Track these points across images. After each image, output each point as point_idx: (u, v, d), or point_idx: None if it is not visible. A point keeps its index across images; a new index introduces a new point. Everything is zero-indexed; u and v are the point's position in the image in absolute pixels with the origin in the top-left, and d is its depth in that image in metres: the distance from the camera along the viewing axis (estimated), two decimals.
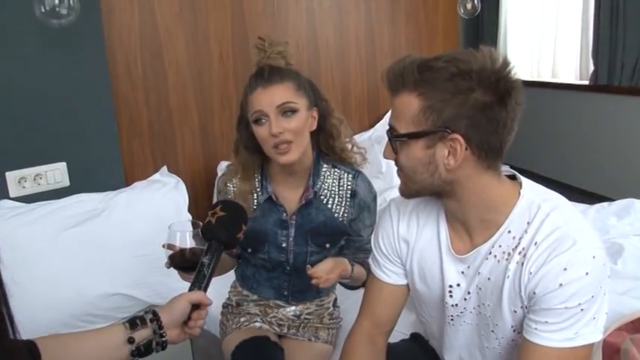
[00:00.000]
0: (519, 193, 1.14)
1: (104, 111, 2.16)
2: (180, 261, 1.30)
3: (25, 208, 1.98)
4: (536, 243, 1.08)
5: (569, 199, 2.88)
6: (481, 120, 1.04)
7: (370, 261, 1.39)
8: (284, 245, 1.60)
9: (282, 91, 1.44)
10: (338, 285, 1.81)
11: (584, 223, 1.12)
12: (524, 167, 4.86)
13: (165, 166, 2.34)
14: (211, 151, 2.56)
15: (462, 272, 1.21)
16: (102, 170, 2.18)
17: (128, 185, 2.24)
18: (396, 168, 1.20)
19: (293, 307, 1.72)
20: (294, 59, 2.71)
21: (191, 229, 1.32)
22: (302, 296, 1.71)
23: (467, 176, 1.10)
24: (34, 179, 2.05)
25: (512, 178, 1.20)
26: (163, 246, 1.38)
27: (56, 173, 2.09)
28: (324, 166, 1.60)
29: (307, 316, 1.74)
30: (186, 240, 1.29)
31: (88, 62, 2.07)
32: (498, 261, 1.14)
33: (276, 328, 1.72)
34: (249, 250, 1.63)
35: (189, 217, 2.20)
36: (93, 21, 2.04)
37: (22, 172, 2.02)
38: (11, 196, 2.00)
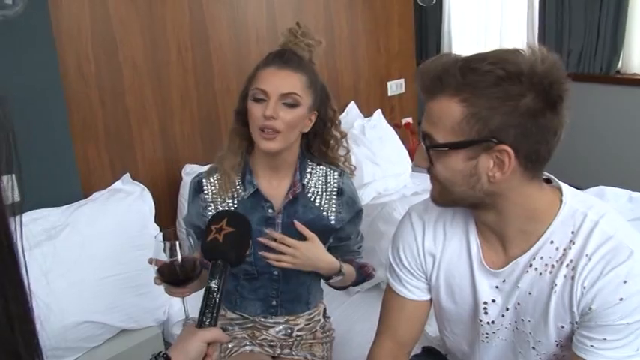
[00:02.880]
0: (561, 201, 1.07)
1: (56, 113, 1.91)
2: (171, 276, 1.21)
3: None
4: (587, 255, 1.01)
5: None
6: (532, 129, 0.96)
7: (389, 276, 1.29)
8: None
9: (293, 80, 1.38)
10: (326, 293, 1.72)
11: (635, 231, 1.06)
12: None
13: (128, 174, 2.13)
14: (173, 154, 2.35)
15: (497, 287, 1.13)
16: (57, 181, 1.94)
17: (86, 196, 2.01)
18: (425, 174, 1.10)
19: (282, 326, 1.59)
20: (253, 51, 2.60)
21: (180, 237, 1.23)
22: (291, 306, 1.59)
23: (511, 188, 1.02)
24: None
25: (548, 181, 1.12)
26: (150, 261, 1.24)
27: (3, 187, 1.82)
28: (310, 163, 1.54)
29: (299, 333, 1.62)
30: (176, 251, 1.20)
31: (36, 59, 1.82)
32: (540, 274, 1.07)
33: (269, 350, 1.59)
34: None
35: (157, 227, 2.01)
36: (40, 13, 1.79)
37: None
38: None
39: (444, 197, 1.09)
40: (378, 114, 3.12)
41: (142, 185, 2.07)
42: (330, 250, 1.58)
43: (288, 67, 1.38)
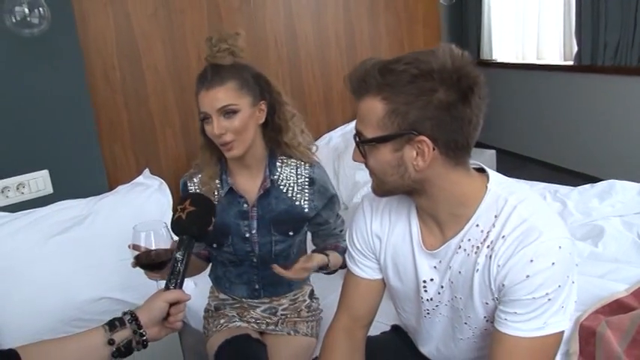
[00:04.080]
0: (486, 187, 1.16)
1: (83, 117, 2.16)
2: (146, 261, 1.33)
3: (9, 218, 1.99)
4: (503, 236, 1.09)
5: (556, 180, 2.92)
6: (446, 119, 1.05)
7: (346, 257, 1.41)
8: (247, 235, 1.63)
9: (223, 94, 1.48)
10: (313, 277, 1.85)
11: (551, 215, 1.13)
12: (513, 150, 4.90)
13: (147, 169, 2.35)
14: (194, 150, 2.55)
15: (435, 267, 1.22)
16: (84, 176, 2.19)
17: (112, 189, 2.26)
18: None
19: (267, 305, 1.75)
20: (273, 55, 2.78)
21: (156, 228, 1.33)
22: (274, 289, 1.74)
23: (436, 175, 1.11)
24: (17, 188, 2.06)
25: (481, 171, 1.21)
26: (129, 246, 1.41)
27: (39, 181, 2.10)
28: (280, 158, 1.66)
29: (283, 312, 1.77)
30: (150, 240, 1.31)
31: (65, 69, 2.08)
32: (468, 254, 1.15)
33: (255, 326, 1.75)
34: (215, 245, 1.66)
35: None
36: (67, 28, 2.04)
37: (4, 182, 2.03)
38: None
39: (380, 188, 1.19)
40: None
41: (160, 179, 2.29)
42: (312, 235, 1.74)
43: (213, 84, 1.48)
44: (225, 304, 1.79)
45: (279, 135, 1.64)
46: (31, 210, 2.04)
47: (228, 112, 1.49)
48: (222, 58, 1.50)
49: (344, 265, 1.72)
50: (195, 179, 1.67)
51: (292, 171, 1.65)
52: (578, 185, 2.63)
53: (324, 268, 1.58)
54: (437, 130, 1.05)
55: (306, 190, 1.64)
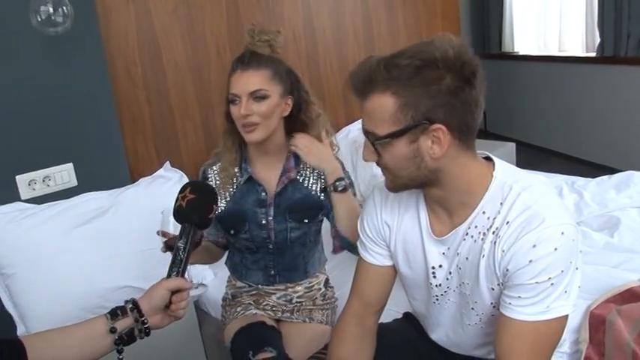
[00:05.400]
0: (492, 175, 1.18)
1: (106, 111, 2.23)
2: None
3: (35, 209, 2.07)
4: (508, 222, 1.12)
5: (577, 173, 2.89)
6: (456, 104, 1.08)
7: (358, 244, 1.44)
8: (264, 222, 1.68)
9: (256, 78, 1.56)
10: (328, 268, 1.89)
11: (555, 202, 1.15)
12: (533, 142, 4.85)
13: (168, 162, 2.42)
14: (214, 143, 2.59)
15: (443, 253, 1.25)
16: (107, 168, 2.26)
17: (134, 182, 2.32)
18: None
19: (282, 293, 1.79)
20: (292, 50, 2.81)
21: None
22: (289, 275, 1.78)
23: (450, 160, 1.14)
24: (43, 181, 2.14)
25: (488, 160, 1.23)
26: (158, 233, 1.45)
27: (64, 174, 2.17)
28: None
29: (298, 300, 1.81)
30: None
31: (87, 66, 2.14)
32: (475, 241, 1.18)
33: (271, 314, 1.79)
34: (232, 231, 1.71)
35: None
36: (90, 25, 2.11)
37: (31, 175, 2.11)
38: (22, 198, 2.09)
39: (396, 183, 1.21)
40: None
41: (180, 172, 2.35)
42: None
43: (249, 67, 1.56)
44: (242, 291, 1.84)
45: (305, 130, 1.69)
46: (56, 202, 2.12)
47: (258, 96, 1.56)
48: (261, 47, 1.59)
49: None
50: (214, 167, 1.73)
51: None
52: (598, 176, 2.61)
53: (340, 181, 1.61)
54: (449, 115, 1.08)
55: (322, 180, 1.70)
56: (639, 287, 1.57)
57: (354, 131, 3.07)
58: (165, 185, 2.27)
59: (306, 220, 1.70)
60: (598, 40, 4.03)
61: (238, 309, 1.80)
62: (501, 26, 4.95)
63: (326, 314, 1.83)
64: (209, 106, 2.61)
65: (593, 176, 2.70)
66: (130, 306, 1.12)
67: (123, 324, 1.10)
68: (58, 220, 2.05)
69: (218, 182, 1.71)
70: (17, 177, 2.08)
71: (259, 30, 1.60)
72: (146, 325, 1.12)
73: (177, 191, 1.28)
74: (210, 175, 1.73)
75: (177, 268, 1.19)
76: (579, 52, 4.33)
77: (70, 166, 2.18)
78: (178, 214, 1.24)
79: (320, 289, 1.85)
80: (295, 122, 1.69)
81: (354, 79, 1.13)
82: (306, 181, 1.71)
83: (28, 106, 2.05)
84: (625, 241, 1.99)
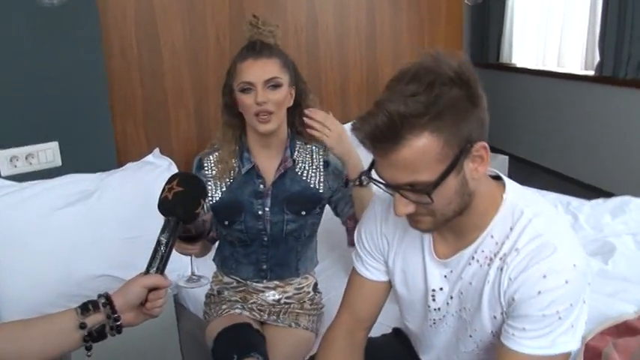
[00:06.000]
0: (502, 197, 1.13)
1: (98, 91, 2.14)
2: (185, 231, 1.30)
3: (16, 187, 1.97)
4: (517, 249, 1.07)
5: (568, 191, 2.88)
6: (482, 116, 1.02)
7: (353, 256, 1.39)
8: (260, 213, 1.65)
9: (271, 66, 1.55)
10: (317, 270, 1.85)
11: (567, 231, 1.11)
12: (525, 157, 4.85)
13: (157, 148, 2.34)
14: (206, 133, 2.54)
15: (445, 276, 1.20)
16: (94, 150, 2.17)
17: (121, 165, 2.24)
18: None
19: (272, 291, 1.75)
20: (292, 43, 2.74)
21: None
22: (281, 271, 1.74)
23: (481, 179, 1.07)
24: (26, 158, 2.04)
25: (497, 178, 1.17)
26: None
27: (48, 153, 2.08)
28: (298, 142, 1.70)
29: (287, 301, 1.76)
30: None
31: (82, 42, 2.05)
32: (480, 266, 1.13)
33: (257, 315, 1.74)
34: (226, 222, 1.67)
35: None
36: (86, 1, 2.01)
37: (13, 151, 2.01)
38: (2, 174, 2.00)
39: (438, 223, 1.09)
40: None
41: (169, 159, 2.27)
42: (338, 206, 1.73)
43: (262, 55, 1.55)
44: (228, 287, 1.78)
45: (303, 122, 1.66)
46: (38, 181, 2.02)
47: (273, 84, 1.54)
48: (268, 37, 1.59)
49: None
50: (211, 157, 1.69)
51: (308, 155, 1.70)
52: (590, 198, 2.59)
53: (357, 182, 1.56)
54: (481, 129, 1.02)
55: (321, 173, 1.69)
56: (635, 321, 1.55)
57: (349, 130, 3.00)
58: (154, 172, 2.19)
59: (304, 213, 1.68)
60: (597, 59, 4.02)
61: (223, 306, 1.74)
62: (501, 36, 4.93)
63: (312, 320, 1.78)
64: (204, 93, 2.53)
65: (584, 197, 2.68)
66: (103, 301, 1.06)
67: (94, 319, 1.03)
68: (39, 201, 1.95)
69: (215, 172, 1.68)
70: None
71: (263, 20, 1.59)
72: (118, 323, 1.05)
73: (165, 181, 1.22)
74: (206, 165, 1.69)
75: (157, 263, 1.11)
76: (578, 69, 4.32)
77: (55, 144, 2.09)
78: (163, 206, 1.17)
79: (309, 292, 1.81)
80: (295, 113, 1.67)
81: (373, 136, 0.97)
82: (305, 173, 1.69)
83: (15, 77, 1.95)
84: (619, 268, 1.97)
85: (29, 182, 2.01)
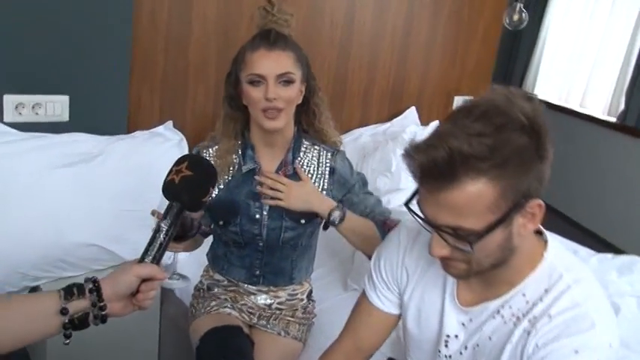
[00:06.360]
0: (543, 255, 1.05)
1: (119, 52, 2.03)
2: None
3: (17, 137, 1.86)
4: (550, 315, 0.99)
5: (573, 238, 2.82)
6: (545, 170, 0.93)
7: (365, 280, 1.31)
8: (257, 217, 1.55)
9: (285, 60, 1.43)
10: (319, 277, 1.77)
11: (606, 305, 1.04)
12: None
13: (171, 121, 2.23)
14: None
15: (463, 324, 1.12)
16: (105, 111, 2.06)
17: (129, 132, 2.13)
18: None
19: (264, 295, 1.66)
20: (325, 35, 2.64)
21: None
22: (274, 279, 1.65)
23: (528, 234, 0.99)
24: (33, 108, 1.93)
25: (538, 232, 1.09)
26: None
27: (56, 105, 1.96)
28: (305, 142, 1.58)
29: (279, 306, 1.68)
30: None
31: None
32: (505, 322, 1.06)
33: (246, 317, 1.66)
34: (221, 222, 1.57)
35: None
36: None
37: (20, 98, 1.90)
38: (5, 120, 1.88)
39: (471, 273, 1.02)
40: (436, 124, 3.07)
41: (181, 134, 2.17)
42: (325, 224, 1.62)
43: (277, 47, 1.42)
44: (219, 284, 1.69)
45: (313, 117, 1.58)
46: (42, 134, 1.91)
47: (286, 80, 1.43)
48: (283, 26, 1.47)
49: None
50: (211, 150, 1.57)
51: (314, 158, 1.58)
52: (597, 250, 2.52)
53: (335, 210, 1.49)
54: (540, 185, 0.93)
55: (326, 179, 1.58)
56: None
57: (365, 136, 2.92)
58: (163, 146, 2.08)
59: (303, 221, 1.57)
60: (622, 107, 3.96)
61: (212, 303, 1.66)
62: (528, 65, 4.85)
63: (302, 330, 1.71)
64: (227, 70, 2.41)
65: (590, 248, 2.61)
66: (90, 286, 0.96)
67: (77, 306, 0.94)
68: (39, 155, 1.84)
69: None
70: (5, 96, 1.87)
71: (278, 8, 1.47)
72: (104, 312, 0.96)
73: (173, 162, 1.12)
74: (205, 155, 1.57)
75: (154, 251, 1.02)
76: (600, 114, 4.25)
77: (65, 98, 1.97)
78: (168, 189, 1.08)
79: (302, 299, 1.73)
80: (304, 111, 1.57)
81: (427, 170, 0.89)
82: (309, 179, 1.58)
83: (33, 19, 1.83)
84: (622, 333, 1.89)
85: (31, 133, 1.90)
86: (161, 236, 1.03)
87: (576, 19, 4.29)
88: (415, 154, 0.90)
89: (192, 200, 1.08)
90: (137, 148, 2.03)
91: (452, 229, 0.92)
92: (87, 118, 2.01)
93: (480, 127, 0.88)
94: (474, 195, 0.88)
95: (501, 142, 0.88)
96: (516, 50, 4.92)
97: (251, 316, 1.66)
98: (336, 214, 1.50)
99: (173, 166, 1.10)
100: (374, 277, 1.27)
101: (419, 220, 0.99)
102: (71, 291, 0.95)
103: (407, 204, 1.02)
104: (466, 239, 0.92)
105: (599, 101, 4.24)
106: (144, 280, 1.00)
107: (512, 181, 0.89)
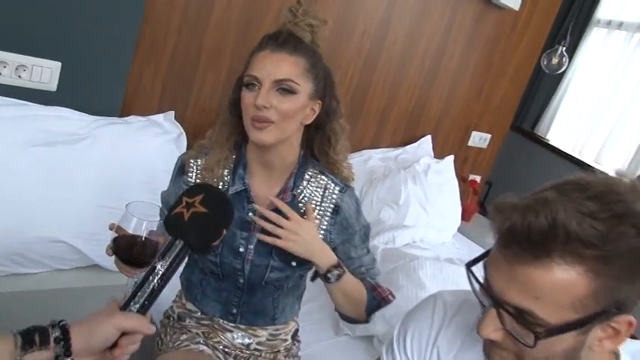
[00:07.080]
0: None
1: (128, 24, 1.77)
2: (126, 250, 1.00)
3: None
4: None
5: None
6: None
7: (384, 351, 1.09)
8: (241, 250, 1.30)
9: (289, 65, 1.20)
10: (301, 313, 1.53)
11: None
12: None
13: (173, 112, 1.98)
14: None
15: None
16: (99, 87, 1.80)
17: (123, 114, 1.87)
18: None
19: (241, 333, 1.42)
20: (354, 44, 2.41)
21: (157, 218, 1.01)
22: (253, 319, 1.41)
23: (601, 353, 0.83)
24: (16, 69, 1.66)
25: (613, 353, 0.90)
26: (110, 227, 1.04)
27: (45, 71, 1.69)
28: (311, 169, 1.35)
29: (258, 347, 1.44)
30: (141, 230, 0.97)
31: None
32: None
33: (221, 356, 1.41)
34: None
35: None
36: None
37: (2, 55, 1.62)
38: None
39: None
40: (450, 161, 2.86)
41: (181, 129, 1.92)
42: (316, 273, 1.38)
43: (283, 50, 1.20)
44: (191, 315, 1.44)
45: (328, 148, 1.35)
46: (21, 102, 1.65)
47: (284, 88, 1.20)
48: (302, 30, 1.25)
49: (368, 308, 1.36)
50: (199, 161, 1.33)
51: (319, 190, 1.34)
52: None
53: (336, 269, 1.28)
54: (636, 300, 0.76)
55: (327, 217, 1.34)
56: None
57: (375, 159, 2.70)
58: (159, 138, 1.83)
59: (294, 263, 1.32)
60: None
61: (182, 337, 1.41)
62: (544, 108, 4.66)
63: None
64: (241, 65, 2.17)
65: None
66: (57, 334, 0.76)
67: (36, 358, 0.74)
68: (16, 126, 1.58)
69: (198, 177, 1.32)
70: None
71: (304, 10, 1.26)
72: None
73: (183, 191, 0.93)
74: (190, 170, 1.33)
75: (144, 299, 0.82)
76: (613, 173, 4.08)
77: (56, 65, 1.70)
78: (174, 224, 0.88)
79: (286, 339, 1.49)
80: (317, 136, 1.34)
81: (517, 234, 0.74)
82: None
83: None
84: None
85: (9, 99, 1.63)
86: (155, 280, 0.83)
87: (606, 69, 4.11)
88: (507, 211, 0.75)
89: (200, 243, 0.89)
90: (129, 135, 1.77)
91: (518, 311, 0.76)
92: (77, 92, 1.75)
93: (595, 207, 0.72)
94: (563, 283, 0.73)
95: (617, 233, 0.71)
96: (536, 89, 4.73)
97: (226, 356, 1.42)
98: (335, 273, 1.28)
99: (184, 196, 0.91)
100: (395, 351, 1.06)
101: (477, 287, 0.82)
102: (31, 339, 0.75)
103: (469, 266, 0.85)
104: (532, 329, 0.75)
105: (617, 160, 4.05)
106: (124, 333, 0.80)
107: (612, 284, 0.73)
